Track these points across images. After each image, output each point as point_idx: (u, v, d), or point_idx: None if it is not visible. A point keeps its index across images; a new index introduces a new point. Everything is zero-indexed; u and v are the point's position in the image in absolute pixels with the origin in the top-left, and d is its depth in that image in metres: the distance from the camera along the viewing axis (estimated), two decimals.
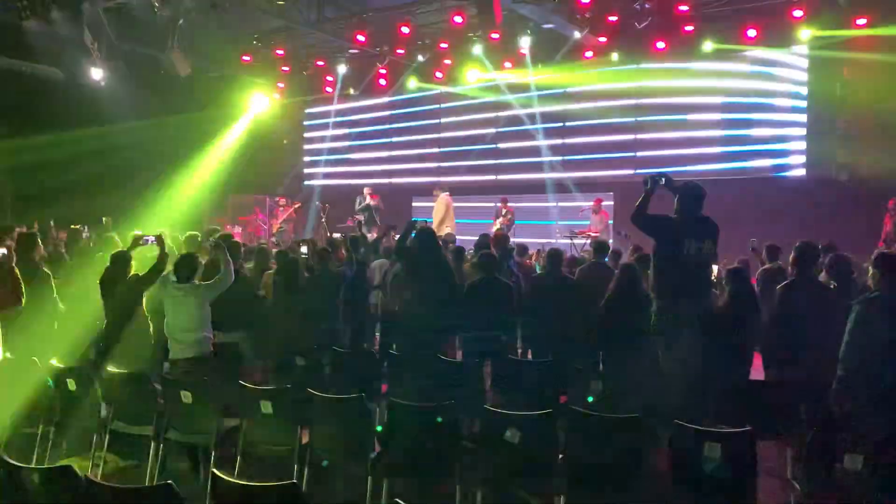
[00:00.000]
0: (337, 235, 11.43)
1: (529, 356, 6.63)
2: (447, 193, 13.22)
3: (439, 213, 12.78)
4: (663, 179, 5.29)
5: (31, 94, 12.76)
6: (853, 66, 10.98)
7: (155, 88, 12.84)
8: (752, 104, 12.30)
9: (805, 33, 11.04)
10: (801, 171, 11.94)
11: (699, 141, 12.77)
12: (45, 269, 6.19)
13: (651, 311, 5.30)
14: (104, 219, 10.95)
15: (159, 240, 5.58)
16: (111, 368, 5.12)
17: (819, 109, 11.57)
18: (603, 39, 12.36)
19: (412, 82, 15.06)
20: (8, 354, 4.48)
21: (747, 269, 6.09)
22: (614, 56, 12.75)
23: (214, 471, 2.84)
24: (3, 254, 4.51)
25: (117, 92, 12.34)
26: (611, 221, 12.60)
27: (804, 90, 11.87)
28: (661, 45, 12.16)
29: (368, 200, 13.60)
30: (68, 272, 6.98)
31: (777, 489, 4.19)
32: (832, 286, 5.36)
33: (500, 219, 12.47)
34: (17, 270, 4.33)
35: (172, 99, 13.12)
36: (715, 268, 5.51)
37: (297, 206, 14.49)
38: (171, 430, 4.62)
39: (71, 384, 4.97)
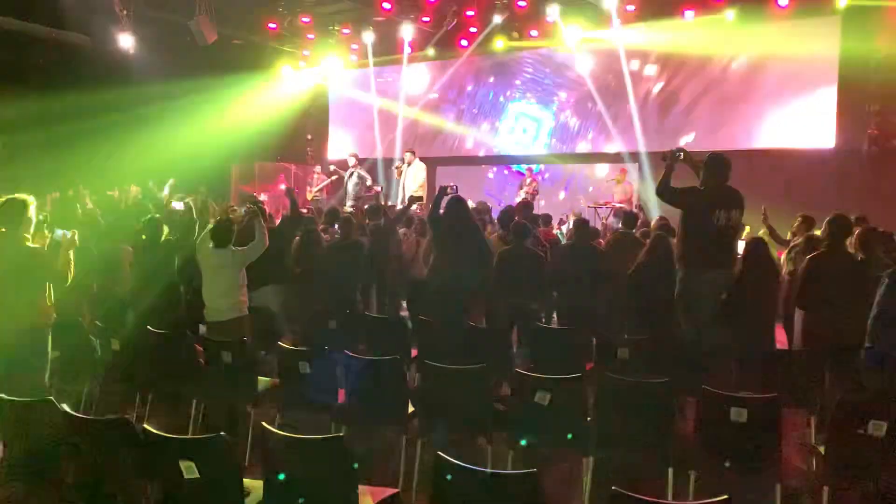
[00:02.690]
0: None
1: (555, 324, 6.74)
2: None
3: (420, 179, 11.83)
4: (682, 154, 5.39)
5: (59, 60, 12.89)
6: (889, 35, 10.74)
7: (182, 55, 12.90)
8: (780, 72, 12.07)
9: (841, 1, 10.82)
10: (831, 143, 11.74)
11: (727, 110, 12.59)
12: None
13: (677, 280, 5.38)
14: (133, 187, 11.18)
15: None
16: (151, 329, 5.31)
17: (851, 79, 11.33)
18: (631, 8, 12.18)
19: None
20: (55, 316, 4.72)
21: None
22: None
23: (264, 424, 2.99)
24: (65, 235, 4.79)
25: (145, 58, 12.43)
26: (635, 192, 12.51)
27: (835, 58, 11.60)
28: (689, 13, 12.01)
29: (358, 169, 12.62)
30: (102, 237, 7.20)
31: (800, 456, 4.29)
32: (860, 258, 5.38)
33: (525, 188, 12.44)
34: (71, 254, 4.61)
35: (199, 66, 13.16)
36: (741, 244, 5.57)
37: (334, 177, 14.05)
38: (211, 389, 4.82)
39: (115, 343, 5.18)
